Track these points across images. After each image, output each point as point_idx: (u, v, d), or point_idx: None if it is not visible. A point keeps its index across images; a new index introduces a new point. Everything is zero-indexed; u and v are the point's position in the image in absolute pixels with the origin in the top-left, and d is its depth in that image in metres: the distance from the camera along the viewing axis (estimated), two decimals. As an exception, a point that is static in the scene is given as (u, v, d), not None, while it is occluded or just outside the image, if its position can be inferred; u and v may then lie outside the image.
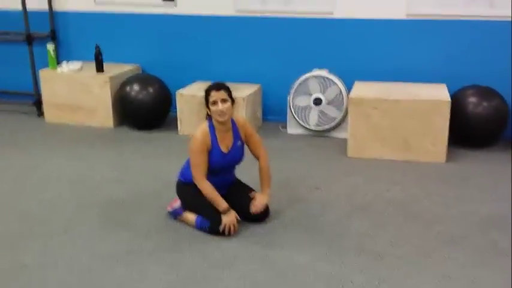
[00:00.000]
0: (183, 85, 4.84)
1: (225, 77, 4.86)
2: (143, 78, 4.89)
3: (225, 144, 2.92)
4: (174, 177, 3.45)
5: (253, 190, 3.06)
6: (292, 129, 4.72)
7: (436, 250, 2.71)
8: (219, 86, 2.85)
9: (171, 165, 3.93)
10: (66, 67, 4.96)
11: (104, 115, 4.89)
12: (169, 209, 3.05)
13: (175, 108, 4.79)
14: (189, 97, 4.62)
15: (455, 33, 4.39)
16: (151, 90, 4.78)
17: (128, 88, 4.77)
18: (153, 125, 4.87)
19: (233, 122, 2.96)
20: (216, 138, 2.90)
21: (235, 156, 2.96)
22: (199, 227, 2.91)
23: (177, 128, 4.72)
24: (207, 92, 2.87)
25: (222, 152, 2.90)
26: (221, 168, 2.93)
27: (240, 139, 2.97)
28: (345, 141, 4.40)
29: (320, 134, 4.62)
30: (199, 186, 2.85)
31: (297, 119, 4.63)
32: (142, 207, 3.24)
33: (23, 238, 2.88)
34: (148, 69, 5.19)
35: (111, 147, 4.42)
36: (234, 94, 2.94)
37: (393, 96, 3.99)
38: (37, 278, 2.51)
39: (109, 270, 2.56)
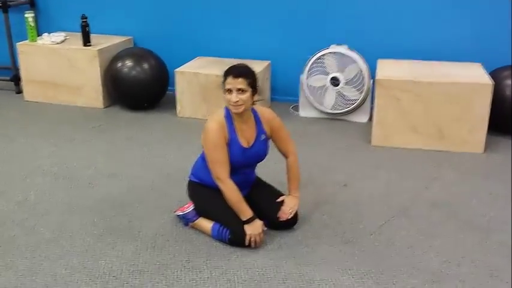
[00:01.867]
0: (182, 61, 4.28)
1: (230, 53, 4.36)
2: (137, 53, 4.31)
3: (246, 138, 2.42)
4: (177, 169, 2.96)
5: (280, 192, 2.58)
6: (305, 111, 4.22)
7: (504, 268, 2.27)
8: (238, 73, 2.32)
9: (173, 154, 3.45)
10: (48, 39, 4.35)
11: (91, 94, 4.32)
12: (180, 212, 2.55)
13: (173, 87, 4.25)
14: (190, 75, 4.07)
15: (488, 6, 3.90)
16: (146, 66, 4.21)
17: (119, 64, 4.19)
18: (147, 105, 4.33)
19: (255, 113, 2.46)
20: (235, 130, 2.39)
21: (259, 151, 2.46)
22: (217, 236, 2.42)
23: (175, 108, 4.19)
24: (224, 76, 2.35)
25: (242, 146, 2.40)
26: (241, 165, 2.43)
27: (265, 133, 2.47)
28: (365, 126, 3.95)
29: (336, 117, 4.14)
30: (221, 187, 2.35)
31: (311, 100, 4.14)
32: (145, 210, 2.73)
33: (3, 252, 2.36)
34: (142, 42, 4.60)
35: (102, 131, 3.87)
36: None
37: (427, 78, 3.51)
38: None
39: (110, 296, 2.08)
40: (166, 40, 4.53)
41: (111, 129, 3.92)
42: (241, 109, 2.34)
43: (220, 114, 2.42)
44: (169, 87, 4.40)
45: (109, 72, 4.25)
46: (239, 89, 2.31)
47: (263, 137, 2.46)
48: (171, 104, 4.25)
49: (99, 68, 4.24)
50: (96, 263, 2.28)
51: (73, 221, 2.61)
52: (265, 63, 4.27)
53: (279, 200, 2.50)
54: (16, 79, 4.64)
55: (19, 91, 4.66)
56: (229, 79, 2.32)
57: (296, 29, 4.29)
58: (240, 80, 2.31)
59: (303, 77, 4.11)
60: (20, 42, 4.39)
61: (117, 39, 4.49)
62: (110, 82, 4.26)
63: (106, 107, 4.35)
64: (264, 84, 4.17)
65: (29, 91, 4.47)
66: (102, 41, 4.37)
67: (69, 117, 4.13)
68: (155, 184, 3.03)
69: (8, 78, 4.65)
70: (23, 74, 4.44)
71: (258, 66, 4.15)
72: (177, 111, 4.19)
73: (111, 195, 2.89)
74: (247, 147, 2.42)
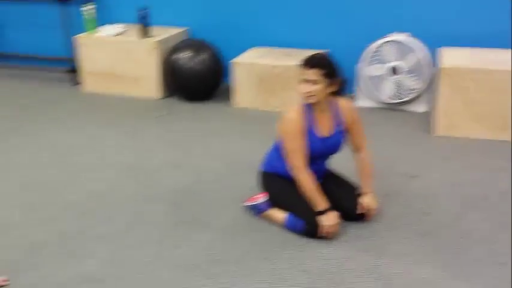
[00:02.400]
0: (238, 52, 4.29)
1: (287, 42, 4.34)
2: (194, 44, 4.33)
3: (324, 128, 2.41)
4: (240, 160, 2.97)
5: (353, 184, 2.56)
6: (362, 101, 4.17)
7: None
8: (312, 63, 2.29)
9: (233, 145, 3.47)
10: (107, 31, 4.43)
11: (149, 85, 4.38)
12: (250, 203, 2.57)
13: (229, 78, 4.27)
14: (246, 66, 4.08)
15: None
16: (203, 57, 4.23)
17: (177, 55, 4.24)
18: (204, 96, 4.37)
19: (335, 103, 2.43)
20: (313, 120, 2.38)
21: (337, 142, 2.45)
22: (291, 227, 2.43)
23: (231, 99, 4.21)
24: (300, 66, 2.34)
25: (320, 136, 2.39)
26: (318, 155, 2.43)
27: (343, 124, 2.45)
28: (423, 115, 3.87)
29: (393, 107, 4.07)
30: (297, 177, 2.35)
31: (369, 90, 4.08)
32: (214, 200, 2.76)
33: (81, 242, 2.43)
34: (198, 33, 4.62)
35: (162, 122, 3.93)
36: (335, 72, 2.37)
37: (494, 66, 3.40)
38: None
39: (191, 287, 2.11)
40: (222, 30, 4.53)
41: (169, 120, 3.97)
42: (312, 100, 2.32)
43: (299, 103, 2.41)
44: (225, 78, 4.42)
45: (166, 63, 4.30)
46: (311, 80, 2.29)
47: (341, 128, 2.44)
48: (227, 95, 4.27)
49: (157, 59, 4.29)
50: (175, 252, 2.32)
51: (146, 211, 2.66)
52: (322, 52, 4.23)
53: (354, 194, 2.49)
54: (73, 71, 4.74)
55: (76, 83, 4.77)
56: (303, 69, 2.31)
57: (353, 17, 4.22)
58: (314, 71, 2.29)
59: (361, 66, 4.06)
60: (80, 35, 4.49)
61: (173, 31, 4.53)
62: (167, 73, 4.31)
63: (163, 97, 4.41)
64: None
65: (88, 82, 4.57)
66: (160, 33, 4.42)
67: (128, 108, 4.20)
68: (220, 174, 3.05)
69: (65, 69, 4.76)
70: (82, 65, 4.54)
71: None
72: (234, 102, 4.21)
73: (180, 185, 2.93)
74: (325, 137, 2.41)
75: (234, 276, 2.16)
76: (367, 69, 4.03)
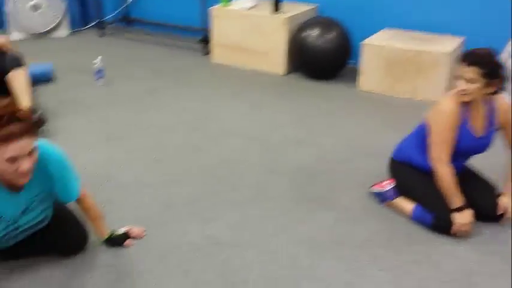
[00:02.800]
0: (366, 33, 4.16)
1: (420, 25, 4.14)
2: (324, 22, 4.28)
3: (478, 126, 2.27)
4: (363, 143, 2.93)
5: (492, 183, 2.40)
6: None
7: None
8: (471, 61, 2.12)
9: (356, 127, 3.41)
10: (240, 4, 4.52)
11: (274, 60, 4.42)
12: (377, 189, 2.52)
13: (355, 59, 4.18)
14: (376, 48, 3.96)
15: None
16: (331, 36, 4.17)
17: (305, 32, 4.22)
18: (328, 75, 4.32)
19: (492, 103, 2.29)
20: (468, 116, 2.25)
21: (487, 142, 2.32)
22: (418, 219, 2.34)
23: (355, 81, 4.12)
24: (459, 60, 2.19)
25: (473, 133, 2.26)
26: (465, 152, 2.32)
27: (496, 124, 2.30)
28: None
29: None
30: (437, 170, 2.24)
31: None
32: (338, 181, 2.74)
33: (210, 206, 2.54)
34: (328, 11, 4.56)
35: (285, 97, 3.96)
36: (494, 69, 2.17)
37: None
38: (237, 259, 2.15)
39: (314, 264, 2.12)
40: (352, 9, 4.42)
41: (293, 96, 3.99)
42: (466, 98, 2.18)
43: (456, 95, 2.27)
44: (351, 59, 4.34)
45: (294, 40, 4.30)
46: (468, 78, 2.15)
47: (493, 128, 2.30)
48: (352, 76, 4.19)
49: (285, 36, 4.30)
50: (299, 227, 2.34)
51: (270, 184, 2.71)
52: (459, 39, 3.99)
53: (493, 193, 2.34)
54: (205, 41, 4.91)
55: (206, 53, 4.94)
56: (461, 65, 2.16)
57: (498, 2, 3.92)
58: (471, 68, 2.13)
59: (505, 55, 3.77)
60: (214, 6, 4.62)
61: (303, 7, 4.51)
62: (294, 50, 4.32)
63: (286, 74, 4.43)
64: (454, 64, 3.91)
65: (217, 53, 4.71)
66: (290, 9, 4.42)
67: (253, 82, 4.28)
68: (344, 156, 3.02)
69: (198, 39, 4.94)
70: (213, 37, 4.68)
71: (450, 43, 3.90)
72: (358, 84, 4.12)
73: (303, 162, 2.94)
74: (478, 136, 2.28)
75: (357, 260, 2.14)
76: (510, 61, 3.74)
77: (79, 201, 2.06)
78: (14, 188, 1.82)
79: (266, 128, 3.41)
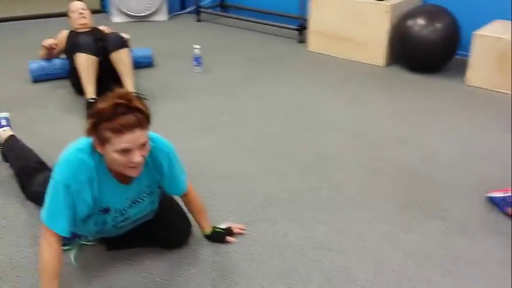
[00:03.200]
0: (477, 23, 3.86)
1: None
2: (431, 11, 4.02)
3: None
4: (474, 145, 2.75)
5: None
6: None
7: None
8: None
9: (464, 127, 3.19)
10: (341, -9, 4.35)
11: (374, 51, 4.23)
12: (495, 194, 2.31)
13: (463, 51, 3.90)
14: (491, 40, 3.65)
15: None
16: (439, 26, 3.91)
17: (410, 21, 3.98)
18: (432, 68, 4.07)
19: None
20: None
21: None
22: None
23: (462, 76, 3.85)
24: None
25: None
26: None
27: None
28: None
29: None
30: None
31: None
32: (447, 186, 2.55)
33: (308, 204, 2.45)
34: (435, -1, 4.30)
35: (385, 91, 3.77)
36: None
37: None
38: (341, 266, 2.06)
39: (423, 279, 1.98)
40: (464, -2, 4.13)
41: (393, 90, 3.79)
42: None
43: None
44: (458, 51, 4.05)
45: (398, 29, 4.08)
46: None
47: None
48: (457, 70, 3.93)
49: (388, 25, 4.09)
50: (403, 236, 2.21)
51: (374, 185, 2.58)
52: None
53: None
54: (301, 29, 4.80)
55: (301, 40, 4.84)
56: None
57: None
58: None
59: None
60: (314, -7, 4.49)
61: (408, -5, 4.27)
62: (396, 40, 4.10)
63: (386, 65, 4.23)
64: None
65: (314, 42, 4.59)
66: (394, -4, 4.20)
67: (350, 72, 4.12)
68: (453, 158, 2.82)
69: (294, 27, 4.84)
70: (310, 24, 4.56)
71: None
72: (466, 79, 3.84)
73: (407, 163, 2.78)
74: None
75: (474, 278, 1.97)
76: None
77: (184, 194, 2.05)
78: (124, 180, 1.84)
79: (365, 123, 3.26)
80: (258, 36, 5.08)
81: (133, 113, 1.63)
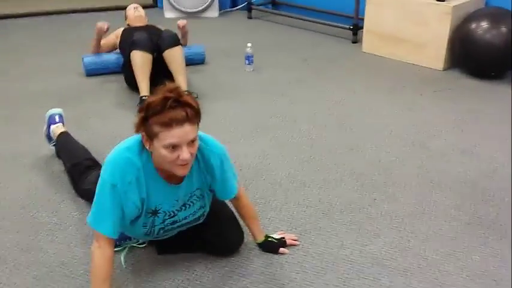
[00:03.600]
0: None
1: None
2: (496, 14, 3.81)
3: None
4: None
5: None
6: None
7: None
8: None
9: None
10: (399, -10, 4.19)
11: (432, 53, 4.04)
12: None
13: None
14: (561, 46, 3.43)
15: None
16: (503, 30, 3.70)
17: (473, 24, 3.79)
18: (496, 74, 3.86)
19: None
20: None
21: None
22: None
23: (527, 82, 3.64)
24: None
25: None
26: None
27: None
28: None
29: None
30: None
31: None
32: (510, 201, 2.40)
33: (364, 216, 2.35)
34: (495, 1, 4.06)
35: (445, 97, 3.59)
36: None
37: None
38: None
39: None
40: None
41: (453, 96, 3.61)
42: None
43: None
44: (524, 57, 3.82)
45: (459, 32, 3.89)
46: None
47: None
48: (524, 77, 3.71)
49: (449, 27, 3.91)
50: (468, 256, 2.07)
51: (433, 198, 2.45)
52: None
53: None
54: (355, 29, 4.66)
55: (355, 41, 4.69)
56: None
57: None
58: None
59: None
60: (371, -8, 4.34)
61: (471, -4, 4.06)
62: (457, 43, 3.91)
63: (445, 69, 4.04)
64: None
65: (368, 42, 4.44)
66: (456, -3, 4.00)
67: (406, 76, 3.96)
68: (518, 173, 2.65)
69: (348, 26, 4.70)
70: (366, 24, 4.41)
71: None
72: (531, 86, 3.63)
73: (469, 176, 2.63)
74: None
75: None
76: None
77: (235, 199, 1.99)
78: (173, 181, 1.78)
79: (424, 131, 3.11)
80: (310, 35, 4.96)
81: (183, 108, 1.58)
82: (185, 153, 1.60)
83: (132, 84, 3.48)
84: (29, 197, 2.46)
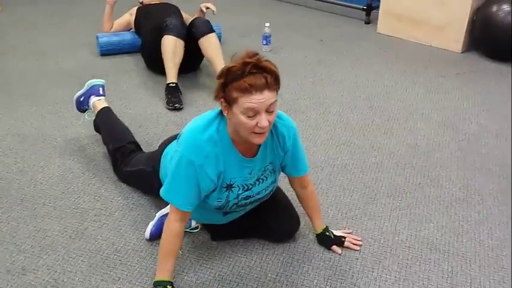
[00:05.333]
0: None
1: None
2: (518, -4, 3.81)
3: None
4: None
5: None
6: None
7: None
8: None
9: None
10: (419, -29, 4.14)
11: (451, 35, 4.03)
12: None
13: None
14: None
15: None
16: (526, 13, 3.71)
17: (494, 7, 3.78)
18: (513, 56, 3.88)
19: None
20: None
21: None
22: None
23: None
24: None
25: None
26: None
27: None
28: None
29: None
30: None
31: None
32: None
33: (414, 200, 2.33)
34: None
35: (468, 79, 3.58)
36: None
37: None
38: (462, 273, 1.95)
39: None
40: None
41: (476, 78, 3.61)
42: None
43: None
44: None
45: (480, 14, 3.87)
46: None
47: None
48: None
49: (469, 8, 3.88)
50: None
51: (478, 182, 2.44)
52: None
53: None
54: (369, 9, 4.61)
55: (368, 21, 4.65)
56: None
57: None
58: None
59: None
60: (388, -28, 4.29)
61: (492, -22, 4.03)
62: (478, 25, 3.89)
63: (463, 51, 4.03)
64: None
65: (384, 24, 4.39)
66: (477, -21, 3.98)
67: (425, 58, 3.93)
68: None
69: (361, 7, 4.65)
70: (382, 5, 4.36)
71: None
72: (552, 70, 3.65)
73: (508, 159, 2.63)
74: None
75: None
76: None
77: (301, 187, 1.95)
78: (248, 154, 1.75)
79: (455, 114, 3.10)
80: (321, 14, 4.89)
81: (263, 74, 1.55)
82: (264, 120, 1.57)
83: (155, 67, 3.40)
84: (67, 181, 2.38)
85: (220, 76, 1.61)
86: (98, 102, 2.55)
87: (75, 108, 2.66)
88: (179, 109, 3.05)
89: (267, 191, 1.87)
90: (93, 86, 2.60)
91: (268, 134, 1.67)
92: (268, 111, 1.58)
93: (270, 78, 1.56)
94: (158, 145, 2.16)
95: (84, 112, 2.63)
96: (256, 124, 1.57)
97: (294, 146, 1.83)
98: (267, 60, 1.59)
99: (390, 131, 2.90)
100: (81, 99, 2.61)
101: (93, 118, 2.57)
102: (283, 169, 1.90)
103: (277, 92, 1.62)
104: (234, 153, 1.71)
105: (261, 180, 1.82)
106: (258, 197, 1.85)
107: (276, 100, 1.61)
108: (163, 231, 1.74)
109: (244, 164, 1.75)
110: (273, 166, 1.84)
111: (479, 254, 2.01)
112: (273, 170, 1.85)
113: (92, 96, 2.57)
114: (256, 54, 1.59)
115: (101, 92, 2.59)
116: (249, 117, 1.57)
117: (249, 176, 1.78)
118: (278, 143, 1.79)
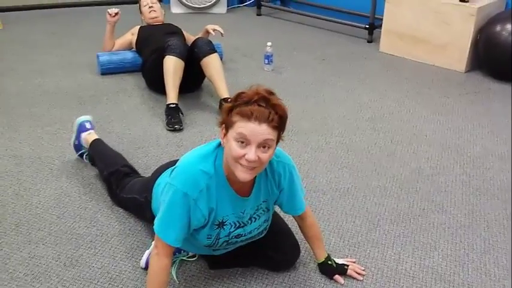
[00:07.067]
0: None
1: None
2: (521, 16, 3.78)
3: None
4: None
5: None
6: None
7: None
8: None
9: None
10: (421, -10, 4.12)
11: (454, 55, 3.99)
12: None
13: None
14: None
15: None
16: (530, 33, 3.68)
17: (498, 27, 3.75)
18: (517, 77, 3.84)
19: None
20: None
21: None
22: None
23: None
24: None
25: None
26: None
27: None
28: None
29: None
30: None
31: None
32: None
33: (418, 227, 2.28)
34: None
35: (472, 101, 3.54)
36: None
37: None
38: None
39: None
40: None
41: (481, 99, 3.56)
42: None
43: None
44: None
45: (483, 34, 3.84)
46: None
47: None
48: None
49: (472, 28, 3.85)
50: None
51: (482, 207, 2.39)
52: None
53: None
54: (371, 28, 4.59)
55: (371, 40, 4.62)
56: None
57: None
58: None
59: None
60: (391, -8, 4.27)
61: (493, -1, 4.02)
62: (482, 45, 3.86)
63: (467, 71, 4.00)
64: None
65: (386, 42, 4.37)
66: (478, -1, 3.96)
67: (427, 78, 3.90)
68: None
69: (363, 26, 4.63)
70: (384, 24, 4.34)
71: None
72: (556, 90, 3.61)
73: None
74: None
75: None
76: None
77: (301, 218, 1.90)
78: (242, 192, 1.70)
79: (457, 136, 3.05)
80: (322, 33, 4.88)
81: (268, 108, 1.52)
82: (252, 154, 1.51)
83: (156, 87, 3.38)
84: (63, 205, 2.33)
85: (230, 100, 1.60)
86: (88, 137, 2.55)
87: (76, 155, 2.65)
88: (179, 130, 3.01)
89: (259, 230, 1.82)
90: (80, 124, 2.61)
91: (262, 172, 1.65)
92: (262, 146, 1.53)
93: (274, 116, 1.52)
94: (155, 169, 2.11)
95: (84, 155, 2.61)
96: (244, 155, 1.52)
97: (290, 184, 1.77)
98: (279, 99, 1.56)
99: (393, 153, 2.85)
100: (76, 142, 2.62)
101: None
102: (279, 207, 1.85)
103: (278, 133, 1.57)
104: (227, 191, 1.67)
105: (253, 219, 1.77)
106: (250, 235, 1.81)
107: (274, 140, 1.55)
108: (150, 265, 1.68)
109: (237, 202, 1.70)
110: (267, 204, 1.79)
111: (485, 285, 1.94)
112: (267, 209, 1.80)
113: (81, 134, 2.58)
114: (273, 92, 1.57)
115: (88, 127, 2.60)
116: (239, 143, 1.52)
117: (241, 215, 1.73)
118: (273, 180, 1.74)
